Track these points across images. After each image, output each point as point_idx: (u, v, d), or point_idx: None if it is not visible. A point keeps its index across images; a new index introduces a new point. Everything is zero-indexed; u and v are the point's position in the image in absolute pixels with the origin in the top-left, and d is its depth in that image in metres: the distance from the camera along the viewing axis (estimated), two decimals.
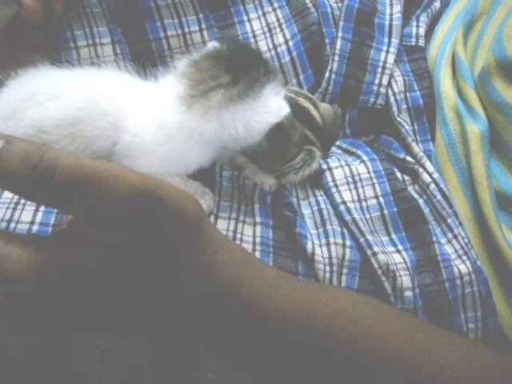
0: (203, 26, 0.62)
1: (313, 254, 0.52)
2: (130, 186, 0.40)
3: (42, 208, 0.52)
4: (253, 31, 0.62)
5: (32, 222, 0.51)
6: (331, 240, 0.53)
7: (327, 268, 0.52)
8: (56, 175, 0.38)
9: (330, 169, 0.58)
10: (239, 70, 0.50)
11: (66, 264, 0.41)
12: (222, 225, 0.52)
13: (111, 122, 0.48)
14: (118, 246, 0.42)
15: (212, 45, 0.52)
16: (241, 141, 0.51)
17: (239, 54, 0.52)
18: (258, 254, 0.51)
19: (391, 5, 0.67)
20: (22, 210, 0.51)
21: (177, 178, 0.51)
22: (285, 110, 0.50)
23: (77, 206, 0.40)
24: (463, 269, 0.54)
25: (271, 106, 0.50)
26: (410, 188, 0.58)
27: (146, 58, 0.60)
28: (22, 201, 0.52)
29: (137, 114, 0.49)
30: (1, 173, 0.38)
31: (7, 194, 0.52)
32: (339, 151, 0.62)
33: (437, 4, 0.70)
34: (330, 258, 0.52)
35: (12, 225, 0.50)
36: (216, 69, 0.49)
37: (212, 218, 0.52)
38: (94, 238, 0.41)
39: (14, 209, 0.51)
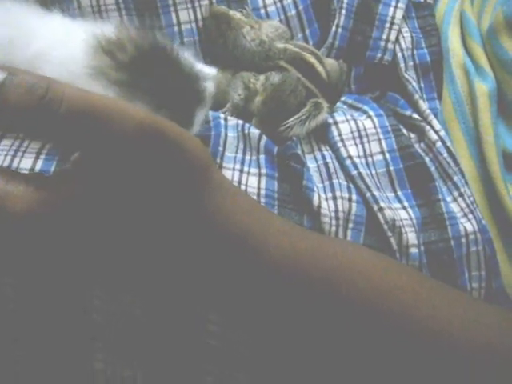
0: None
1: (319, 207, 0.51)
2: (138, 121, 0.38)
3: (43, 156, 0.50)
4: None
5: (32, 169, 0.49)
6: (337, 194, 0.52)
7: (333, 222, 0.51)
8: (62, 107, 0.37)
9: (336, 123, 0.57)
10: (144, 68, 0.44)
11: (69, 202, 0.39)
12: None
13: None
14: (123, 186, 0.40)
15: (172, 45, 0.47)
16: None
17: (167, 68, 0.45)
18: None
19: None
20: (22, 157, 0.50)
21: None
22: None
23: (82, 140, 0.39)
24: (469, 227, 0.54)
25: None
26: (416, 145, 0.58)
27: (149, 10, 0.59)
28: (22, 148, 0.50)
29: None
30: (4, 104, 0.36)
31: (6, 142, 0.51)
32: (345, 107, 0.61)
33: None
34: (337, 211, 0.51)
35: None
36: (133, 45, 0.44)
37: None
38: (99, 176, 0.40)
39: (14, 156, 0.50)
